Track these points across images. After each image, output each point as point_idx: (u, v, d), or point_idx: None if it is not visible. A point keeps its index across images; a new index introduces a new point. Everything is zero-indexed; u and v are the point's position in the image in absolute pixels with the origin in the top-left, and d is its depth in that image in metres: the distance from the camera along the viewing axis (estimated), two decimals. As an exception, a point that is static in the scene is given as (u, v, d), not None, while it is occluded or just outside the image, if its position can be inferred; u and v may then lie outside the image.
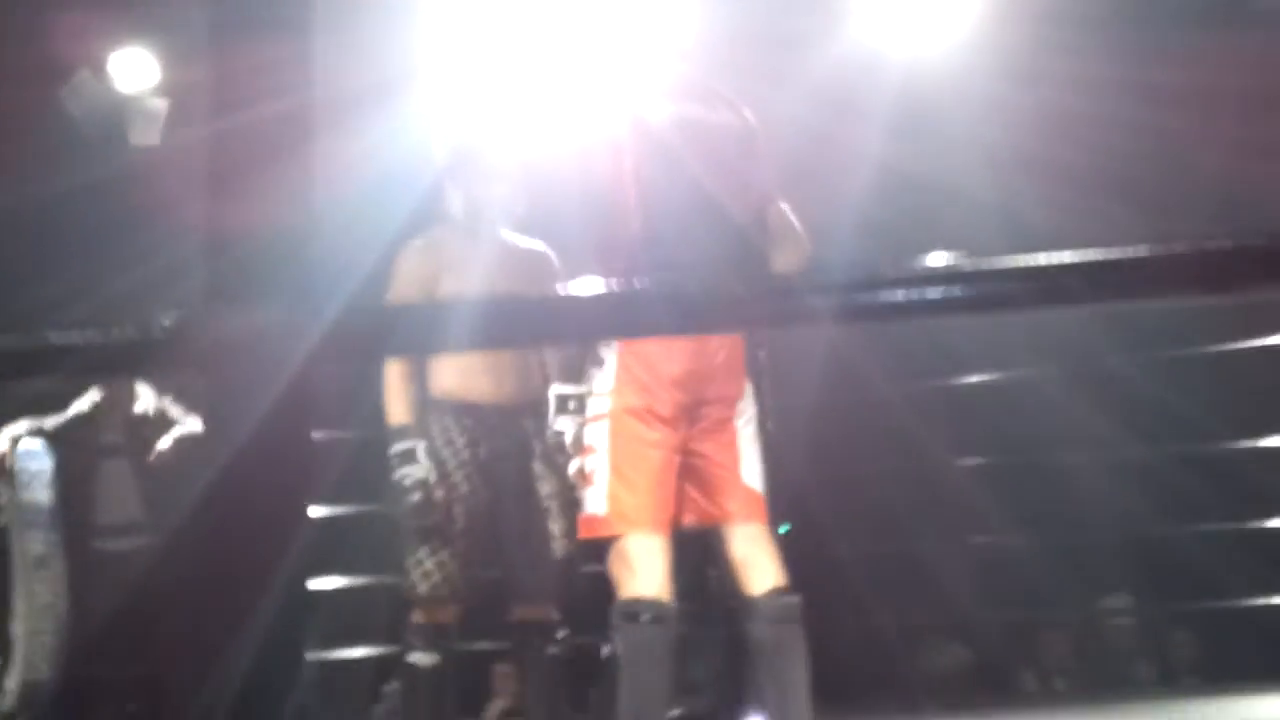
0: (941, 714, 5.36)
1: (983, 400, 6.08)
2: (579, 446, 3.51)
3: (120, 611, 6.15)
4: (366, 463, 4.60)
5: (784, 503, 4.13)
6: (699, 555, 3.67)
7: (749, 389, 3.62)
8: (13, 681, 6.05)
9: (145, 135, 6.57)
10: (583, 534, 3.56)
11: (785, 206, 4.01)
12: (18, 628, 6.04)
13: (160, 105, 6.63)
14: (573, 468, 3.52)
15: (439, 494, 3.97)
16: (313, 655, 7.07)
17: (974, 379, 6.06)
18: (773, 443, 3.99)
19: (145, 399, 6.29)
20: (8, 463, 6.13)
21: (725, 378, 3.56)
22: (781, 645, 3.48)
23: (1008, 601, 6.51)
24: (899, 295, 1.15)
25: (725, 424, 3.57)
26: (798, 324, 1.23)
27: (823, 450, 5.93)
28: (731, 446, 3.58)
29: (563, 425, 3.53)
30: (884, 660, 6.35)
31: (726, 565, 3.58)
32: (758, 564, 3.54)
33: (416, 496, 3.94)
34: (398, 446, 4.00)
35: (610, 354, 3.49)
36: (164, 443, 6.16)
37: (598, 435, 3.49)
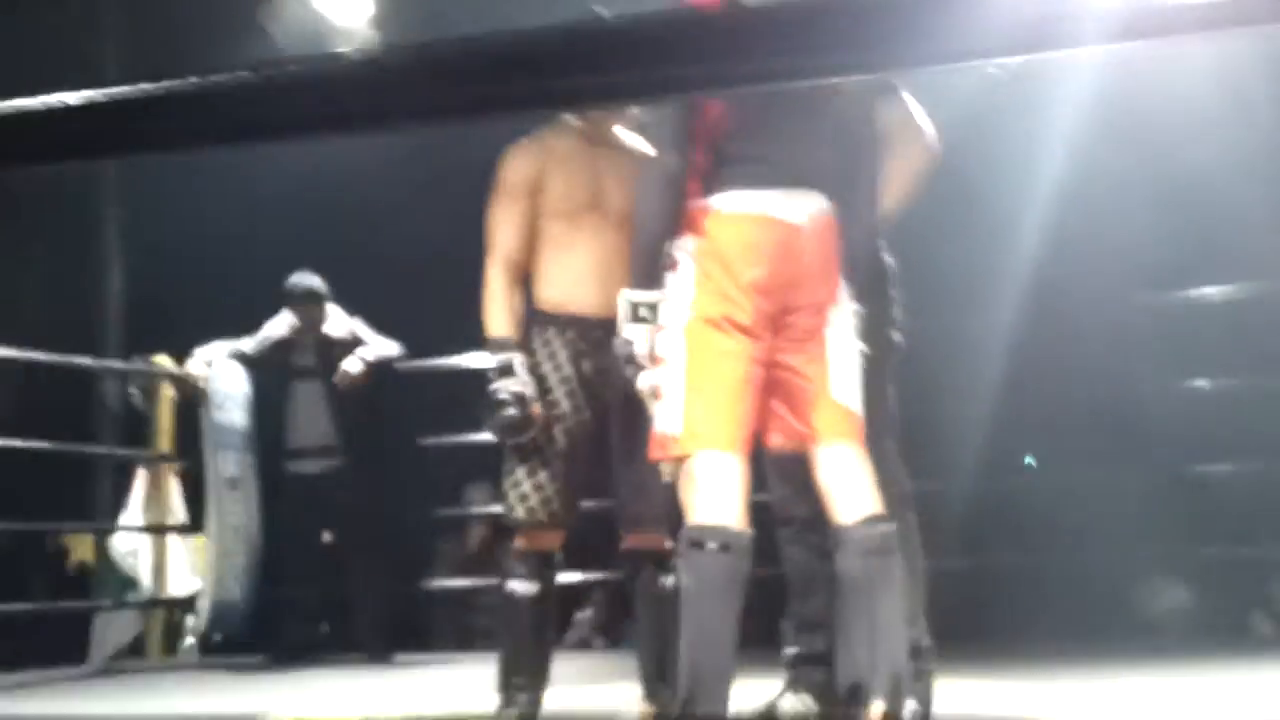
0: (1158, 660, 4.82)
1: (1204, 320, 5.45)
2: (651, 357, 3.18)
3: (311, 532, 6.18)
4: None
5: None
6: (800, 477, 3.27)
7: (845, 295, 3.21)
8: (206, 601, 6.14)
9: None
10: (654, 454, 3.24)
11: (907, 96, 3.57)
12: (211, 548, 6.13)
13: (358, 25, 6.58)
14: (644, 381, 3.19)
15: (538, 410, 3.70)
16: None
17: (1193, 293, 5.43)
18: (896, 356, 3.58)
19: (337, 321, 6.26)
20: (204, 384, 6.20)
21: (815, 281, 3.16)
22: (873, 579, 3.09)
23: (1234, 537, 5.84)
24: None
25: (815, 333, 3.18)
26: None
27: (1023, 379, 5.43)
28: (821, 358, 3.18)
29: (633, 334, 3.20)
30: (1097, 603, 5.81)
31: (818, 490, 3.20)
32: (848, 489, 3.15)
33: (512, 412, 3.68)
34: (495, 359, 3.74)
35: (686, 256, 3.14)
36: (352, 364, 6.12)
37: (671, 345, 3.15)
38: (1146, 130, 5.91)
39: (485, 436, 6.07)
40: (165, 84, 0.91)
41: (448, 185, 5.75)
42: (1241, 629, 6.05)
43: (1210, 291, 5.67)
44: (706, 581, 3.04)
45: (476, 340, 3.99)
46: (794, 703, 3.57)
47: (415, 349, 6.34)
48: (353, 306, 6.27)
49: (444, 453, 6.70)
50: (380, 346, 6.22)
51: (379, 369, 6.15)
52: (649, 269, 3.18)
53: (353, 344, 6.18)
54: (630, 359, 3.20)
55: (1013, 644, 5.17)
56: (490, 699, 3.77)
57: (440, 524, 7.48)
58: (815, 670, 3.55)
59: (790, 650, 3.65)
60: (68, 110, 0.96)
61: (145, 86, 0.90)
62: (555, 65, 0.90)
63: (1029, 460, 7.63)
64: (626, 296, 3.20)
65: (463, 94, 0.94)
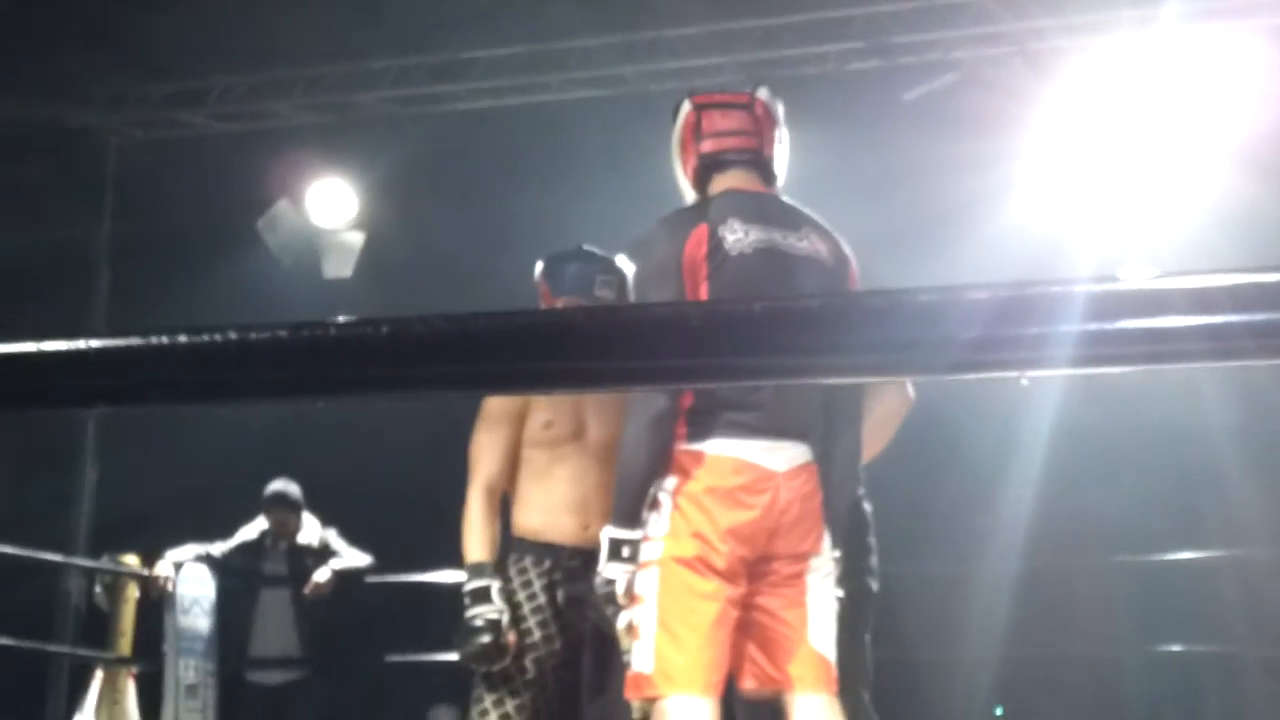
0: None
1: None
2: (629, 596, 3.16)
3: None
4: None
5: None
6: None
7: (827, 544, 3.22)
8: (154, 812, 5.96)
9: (339, 268, 6.63)
10: (629, 693, 3.19)
11: None
12: (163, 756, 5.98)
13: (355, 239, 6.69)
14: (621, 620, 3.17)
15: (512, 638, 3.66)
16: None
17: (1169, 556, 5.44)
18: (876, 602, 3.57)
19: (311, 530, 6.23)
20: (170, 587, 6.13)
21: (797, 533, 3.16)
22: None
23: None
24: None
25: (795, 580, 3.17)
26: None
27: (1000, 628, 5.40)
28: (800, 605, 3.17)
29: (613, 572, 3.18)
30: None
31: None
32: None
33: (486, 639, 3.64)
34: (472, 584, 3.72)
35: (666, 496, 3.15)
36: (322, 574, 6.07)
37: (647, 584, 3.13)
38: (1128, 392, 6.01)
39: (453, 656, 6.01)
40: (202, 336, 0.92)
41: (431, 406, 5.80)
42: None
43: (1186, 556, 5.69)
44: None
45: (448, 557, 3.97)
46: None
47: (386, 564, 6.30)
48: (327, 518, 6.24)
49: (409, 670, 6.59)
50: (351, 558, 6.17)
51: (348, 580, 6.10)
52: (632, 508, 3.18)
53: (324, 554, 6.13)
54: (610, 598, 3.18)
55: None
56: None
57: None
58: None
59: None
60: (87, 355, 0.97)
61: (182, 339, 0.92)
62: (534, 348, 0.91)
63: (999, 711, 7.55)
64: (609, 534, 3.19)
65: (445, 370, 0.94)
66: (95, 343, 0.93)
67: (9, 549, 6.06)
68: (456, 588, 3.86)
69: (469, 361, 0.88)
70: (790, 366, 0.86)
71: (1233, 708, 5.40)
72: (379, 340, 0.88)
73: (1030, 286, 0.80)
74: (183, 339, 0.90)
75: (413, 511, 5.80)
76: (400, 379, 0.91)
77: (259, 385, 0.94)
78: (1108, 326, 0.79)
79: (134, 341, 0.91)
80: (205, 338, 0.90)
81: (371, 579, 6.22)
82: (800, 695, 3.13)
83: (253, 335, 0.89)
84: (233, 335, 0.90)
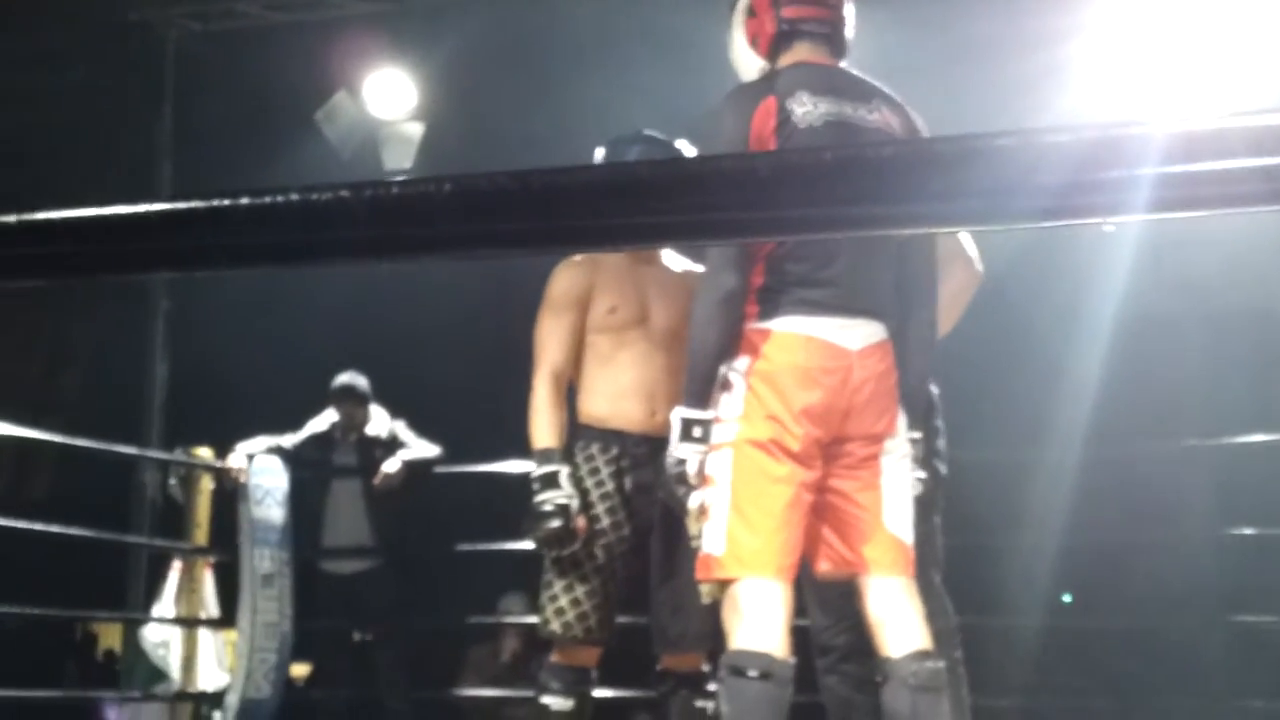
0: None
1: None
2: (701, 477, 3.16)
3: (343, 632, 6.14)
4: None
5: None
6: (856, 607, 3.23)
7: (903, 425, 3.19)
8: (234, 697, 6.09)
9: (399, 159, 6.61)
10: (699, 575, 3.21)
11: None
12: (242, 644, 6.09)
13: (415, 129, 6.66)
14: (693, 501, 3.17)
15: (581, 524, 3.68)
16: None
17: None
18: (944, 487, 3.55)
19: (379, 422, 6.28)
20: (244, 479, 6.21)
21: (872, 413, 3.14)
22: (920, 716, 3.03)
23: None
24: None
25: (869, 462, 3.15)
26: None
27: (1065, 514, 5.38)
28: (874, 487, 3.15)
29: (685, 453, 3.18)
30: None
31: (866, 621, 3.16)
32: (899, 623, 3.11)
33: (555, 524, 3.66)
34: (540, 470, 3.73)
35: (739, 377, 3.13)
36: (391, 465, 6.13)
37: (720, 466, 3.13)
38: (1195, 276, 5.92)
39: (522, 544, 6.07)
40: (265, 198, 0.91)
41: (495, 294, 5.80)
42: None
43: (1258, 439, 5.61)
44: (747, 709, 3.00)
45: (515, 447, 3.98)
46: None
47: (455, 454, 6.35)
48: (396, 409, 6.29)
49: (479, 559, 6.67)
50: (420, 449, 6.22)
51: (417, 471, 6.16)
52: (703, 388, 3.17)
53: (393, 445, 6.19)
54: (681, 478, 3.18)
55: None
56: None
57: (472, 631, 7.43)
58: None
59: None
60: (151, 219, 0.96)
61: (244, 200, 0.90)
62: (598, 203, 0.88)
63: (1066, 598, 7.54)
64: (680, 415, 3.19)
65: (507, 229, 0.92)
66: (158, 206, 0.91)
67: (86, 443, 6.16)
68: (524, 477, 3.88)
69: (535, 218, 0.86)
70: (861, 216, 0.83)
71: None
72: (443, 198, 0.86)
73: (1113, 128, 0.77)
74: (245, 201, 0.89)
75: (480, 402, 5.83)
76: (464, 237, 0.89)
77: (322, 246, 0.93)
78: (1194, 168, 0.76)
79: (197, 205, 0.90)
80: (268, 199, 0.89)
81: (440, 469, 6.28)
82: (876, 577, 3.13)
83: (315, 196, 0.88)
84: (295, 196, 0.89)
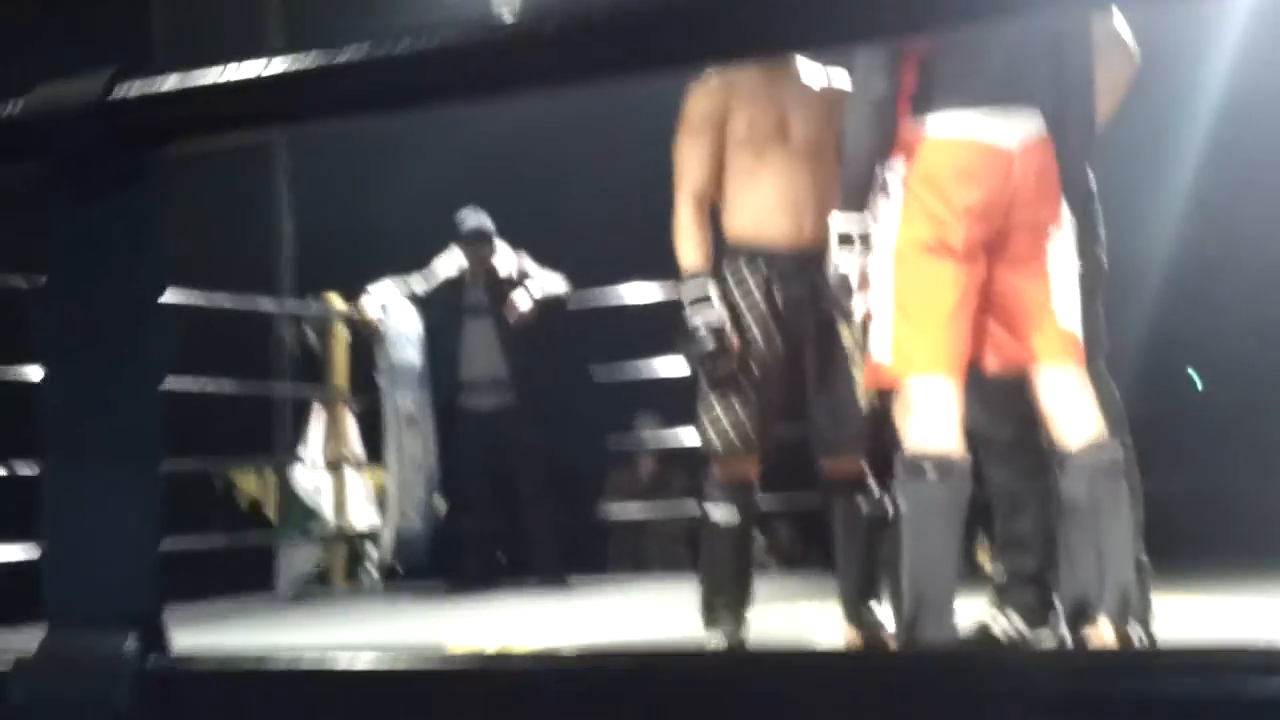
0: None
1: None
2: (864, 285, 3.19)
3: (487, 465, 6.31)
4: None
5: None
6: (1028, 403, 3.26)
7: (1065, 215, 3.18)
8: (388, 532, 6.31)
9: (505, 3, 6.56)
10: (869, 383, 3.26)
11: (1116, 12, 3.50)
12: (391, 482, 6.29)
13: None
14: (858, 310, 3.21)
15: (735, 341, 3.74)
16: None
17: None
18: (1104, 276, 3.54)
19: (506, 258, 6.36)
20: (380, 324, 6.34)
21: (1033, 202, 3.12)
22: (1101, 503, 3.08)
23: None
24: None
25: (1036, 253, 3.14)
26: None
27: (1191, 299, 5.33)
28: (1042, 278, 3.15)
29: (843, 260, 3.21)
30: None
31: (1039, 413, 3.20)
32: (1071, 412, 3.14)
33: (711, 344, 3.73)
34: (691, 292, 3.79)
35: (896, 180, 3.13)
36: (521, 299, 6.23)
37: (882, 271, 3.16)
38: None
39: (655, 368, 6.16)
40: (376, 50, 0.94)
41: (620, 118, 5.79)
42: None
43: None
44: (926, 508, 3.06)
45: (643, 272, 4.01)
46: (1004, 623, 3.59)
47: (583, 282, 6.43)
48: (517, 240, 6.35)
49: (611, 387, 6.79)
50: (547, 281, 6.30)
51: (547, 303, 6.25)
52: (859, 194, 3.18)
53: (520, 279, 6.27)
54: (843, 284, 3.21)
55: (1198, 562, 5.12)
56: (681, 624, 3.86)
57: (611, 455, 7.60)
58: (1024, 591, 3.56)
59: (998, 570, 3.66)
60: (250, 82, 1.00)
61: (359, 50, 0.93)
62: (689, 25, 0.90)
63: (1192, 374, 7.52)
64: (837, 221, 3.21)
65: (615, 54, 0.94)
66: (276, 61, 0.95)
67: (224, 298, 6.32)
68: (655, 304, 3.93)
69: (642, 44, 0.88)
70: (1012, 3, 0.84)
71: None
72: (548, 34, 0.89)
73: None
74: (360, 51, 0.92)
75: (613, 227, 5.86)
76: (572, 68, 0.92)
77: (436, 89, 0.96)
78: None
79: (311, 60, 0.93)
80: (381, 51, 0.92)
81: (570, 300, 6.37)
82: (1047, 367, 3.16)
83: (425, 41, 0.91)
84: (406, 41, 0.91)
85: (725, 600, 3.81)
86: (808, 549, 7.06)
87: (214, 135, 1.11)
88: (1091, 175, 3.50)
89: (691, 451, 6.21)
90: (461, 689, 0.96)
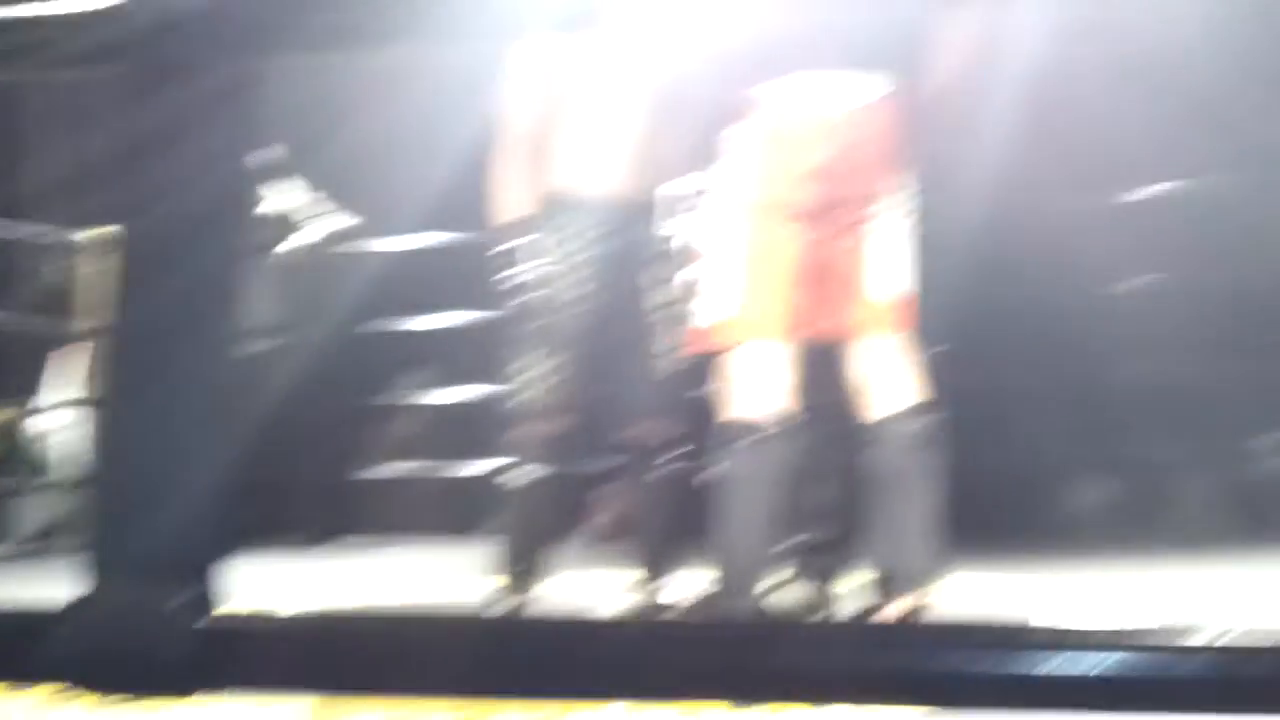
0: (1086, 555, 4.98)
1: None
2: (692, 247, 3.17)
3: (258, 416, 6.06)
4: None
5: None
6: (835, 369, 3.27)
7: (904, 182, 3.19)
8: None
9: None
10: (692, 346, 3.24)
11: None
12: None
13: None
14: (682, 273, 3.18)
15: (547, 296, 3.66)
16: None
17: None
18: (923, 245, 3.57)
19: (295, 195, 6.11)
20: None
21: (871, 168, 3.13)
22: (902, 475, 3.14)
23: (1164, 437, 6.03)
24: None
25: (864, 219, 3.16)
26: None
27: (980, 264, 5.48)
28: (867, 245, 3.17)
29: (673, 226, 3.18)
30: (1026, 496, 5.97)
31: (853, 381, 3.23)
32: (884, 383, 3.18)
33: (526, 295, 3.64)
34: (505, 244, 3.69)
35: (738, 141, 3.10)
36: (302, 238, 6.02)
37: (718, 234, 3.13)
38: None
39: (429, 321, 6.02)
40: None
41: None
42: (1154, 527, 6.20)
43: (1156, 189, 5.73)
44: (748, 473, 3.07)
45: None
46: (801, 589, 3.63)
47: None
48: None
49: (379, 335, 6.57)
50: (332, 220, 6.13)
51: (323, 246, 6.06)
52: (694, 155, 3.16)
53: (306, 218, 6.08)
54: (669, 245, 3.19)
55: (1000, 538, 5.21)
56: (475, 585, 3.78)
57: (376, 410, 7.35)
58: (823, 558, 3.60)
59: (798, 538, 3.68)
60: None
61: None
62: None
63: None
64: (669, 185, 3.18)
65: None
66: None
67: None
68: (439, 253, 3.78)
69: None
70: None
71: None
72: None
73: None
74: None
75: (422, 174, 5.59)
76: None
77: None
78: None
79: None
80: None
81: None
82: (864, 335, 3.18)
83: None
84: None
85: (522, 567, 3.73)
86: (614, 515, 7.02)
87: None
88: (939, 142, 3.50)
89: (464, 408, 6.12)
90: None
